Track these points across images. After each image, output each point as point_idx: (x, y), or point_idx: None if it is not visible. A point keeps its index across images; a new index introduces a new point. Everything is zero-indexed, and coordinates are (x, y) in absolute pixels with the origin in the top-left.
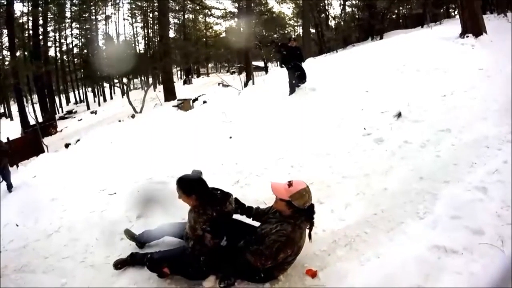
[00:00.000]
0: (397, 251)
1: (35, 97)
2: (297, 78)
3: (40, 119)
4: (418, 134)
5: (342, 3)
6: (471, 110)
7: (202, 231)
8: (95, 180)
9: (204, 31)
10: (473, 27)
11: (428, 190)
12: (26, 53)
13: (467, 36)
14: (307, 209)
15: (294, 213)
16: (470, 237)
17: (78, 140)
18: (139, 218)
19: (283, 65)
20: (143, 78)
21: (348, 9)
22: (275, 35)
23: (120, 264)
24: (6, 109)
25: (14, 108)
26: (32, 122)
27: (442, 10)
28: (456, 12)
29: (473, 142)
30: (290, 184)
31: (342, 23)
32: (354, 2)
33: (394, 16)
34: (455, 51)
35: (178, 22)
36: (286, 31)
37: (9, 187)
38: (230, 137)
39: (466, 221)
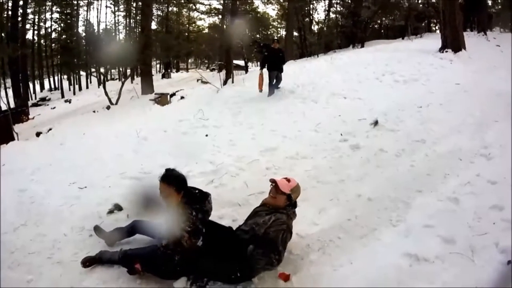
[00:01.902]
0: (370, 258)
1: (9, 82)
2: (276, 80)
3: (12, 105)
4: (393, 143)
5: (327, 9)
6: (446, 123)
7: (181, 230)
8: (66, 172)
9: (187, 25)
10: (453, 42)
11: (402, 198)
12: (3, 34)
13: (447, 51)
14: (295, 203)
15: (286, 206)
16: (442, 246)
17: (50, 129)
18: (110, 214)
19: (263, 66)
20: (121, 69)
21: (332, 16)
22: (258, 35)
23: (88, 262)
24: None
25: None
26: (4, 107)
27: (423, 24)
28: (437, 27)
29: (447, 154)
30: (288, 180)
31: (325, 29)
32: (338, 9)
33: (376, 26)
34: (434, 64)
35: (161, 14)
36: (269, 32)
37: None
38: (206, 135)
39: (438, 230)
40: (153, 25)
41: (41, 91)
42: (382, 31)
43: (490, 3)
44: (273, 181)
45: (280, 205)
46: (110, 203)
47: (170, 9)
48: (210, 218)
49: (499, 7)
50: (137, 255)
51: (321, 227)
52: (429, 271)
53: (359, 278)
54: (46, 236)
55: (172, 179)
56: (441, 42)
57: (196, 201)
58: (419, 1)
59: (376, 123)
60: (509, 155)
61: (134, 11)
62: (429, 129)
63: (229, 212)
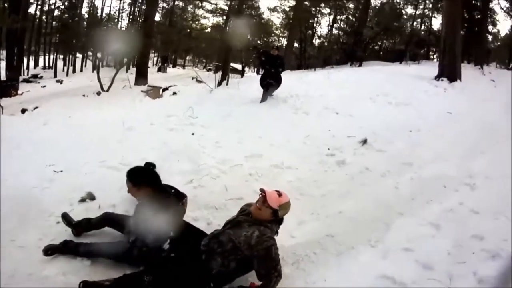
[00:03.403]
0: (345, 277)
1: (3, 54)
2: (266, 83)
3: (3, 78)
4: (380, 163)
5: (331, 24)
6: (434, 149)
7: (147, 229)
8: (45, 153)
9: (191, 22)
10: (449, 72)
11: (383, 219)
12: (5, 4)
13: (442, 80)
14: (281, 219)
15: (272, 221)
16: (420, 271)
17: (36, 107)
18: (82, 202)
19: (263, 69)
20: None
21: (334, 32)
22: (259, 41)
23: (50, 250)
24: None
25: None
26: None
27: (422, 51)
28: (435, 55)
29: (432, 180)
30: (279, 194)
31: (326, 43)
32: (342, 25)
33: (376, 47)
34: (428, 91)
35: (166, 6)
36: (270, 40)
37: None
38: (193, 134)
39: (417, 255)
40: (157, 17)
41: (35, 68)
42: (381, 53)
43: (490, 38)
44: (262, 191)
45: (264, 218)
46: (83, 191)
47: (176, 3)
48: (185, 219)
49: (498, 43)
50: (99, 253)
51: (298, 240)
52: None
53: None
54: (12, 217)
55: (131, 175)
56: (438, 70)
57: (166, 201)
58: (422, 28)
59: (365, 141)
60: (493, 187)
61: (139, 0)
62: (417, 153)
63: (205, 214)
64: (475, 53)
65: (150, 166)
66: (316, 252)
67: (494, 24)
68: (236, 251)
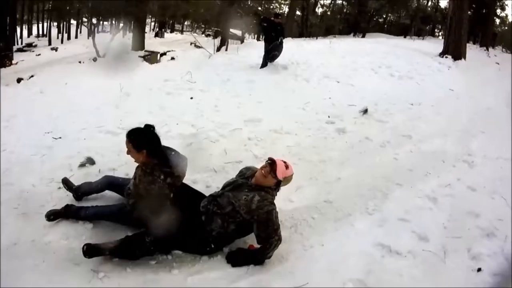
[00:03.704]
0: (342, 242)
1: None
2: (272, 55)
3: None
4: (380, 133)
5: None
6: (434, 124)
7: (147, 192)
8: (42, 121)
9: None
10: (454, 50)
11: (381, 188)
12: None
13: (447, 57)
14: (279, 186)
15: (272, 188)
16: (415, 242)
17: (32, 76)
18: (81, 167)
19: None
20: (113, 22)
21: (338, 1)
22: (259, 8)
23: (53, 216)
24: None
25: None
26: None
27: (428, 27)
28: (440, 33)
29: (430, 154)
30: (286, 166)
31: (328, 13)
32: None
33: (381, 20)
34: (431, 67)
35: None
36: (271, 6)
37: None
38: (191, 98)
39: (413, 225)
40: None
41: (28, 36)
42: (386, 26)
43: (497, 22)
44: (271, 161)
45: (266, 185)
46: (82, 156)
47: None
48: (184, 181)
49: (505, 28)
50: (101, 216)
51: (296, 205)
52: (399, 265)
53: (328, 261)
54: (13, 186)
55: (132, 137)
56: (442, 47)
57: (166, 163)
58: (428, 4)
59: (365, 111)
60: (491, 167)
61: None
62: (417, 126)
63: (204, 177)
64: (481, 35)
65: (150, 128)
66: (314, 217)
67: (502, 8)
68: (235, 214)
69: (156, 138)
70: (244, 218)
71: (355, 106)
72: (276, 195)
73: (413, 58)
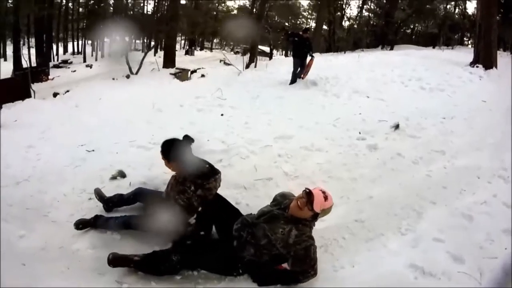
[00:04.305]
0: (374, 263)
1: (33, 41)
2: (301, 69)
3: (33, 64)
4: (412, 149)
5: (360, 5)
6: (468, 138)
7: (174, 200)
8: (76, 134)
9: (217, 4)
10: (485, 58)
11: (414, 207)
12: None
13: (477, 66)
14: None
15: (309, 220)
16: (450, 263)
17: (68, 91)
18: (113, 180)
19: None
20: (145, 40)
21: (364, 13)
22: (286, 23)
23: (82, 225)
24: (1, 49)
25: (9, 49)
26: (25, 65)
27: (456, 36)
28: (470, 41)
29: (465, 169)
30: (325, 197)
31: (355, 26)
32: (372, 7)
33: (408, 31)
34: (462, 77)
35: None
36: (298, 22)
37: None
38: (222, 115)
39: (448, 246)
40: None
41: (64, 53)
42: (414, 36)
43: None
44: (308, 192)
45: (302, 216)
46: (114, 169)
47: None
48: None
49: None
50: (129, 226)
51: (327, 224)
52: (433, 287)
53: (359, 282)
54: (46, 194)
55: (163, 147)
56: (473, 56)
57: (198, 175)
58: (455, 12)
59: (397, 126)
60: None
61: None
62: (450, 141)
63: (234, 193)
64: (511, 41)
65: (187, 139)
66: (345, 237)
67: None
68: (271, 248)
69: (187, 149)
70: (280, 252)
71: (386, 122)
72: (314, 225)
73: (443, 69)
